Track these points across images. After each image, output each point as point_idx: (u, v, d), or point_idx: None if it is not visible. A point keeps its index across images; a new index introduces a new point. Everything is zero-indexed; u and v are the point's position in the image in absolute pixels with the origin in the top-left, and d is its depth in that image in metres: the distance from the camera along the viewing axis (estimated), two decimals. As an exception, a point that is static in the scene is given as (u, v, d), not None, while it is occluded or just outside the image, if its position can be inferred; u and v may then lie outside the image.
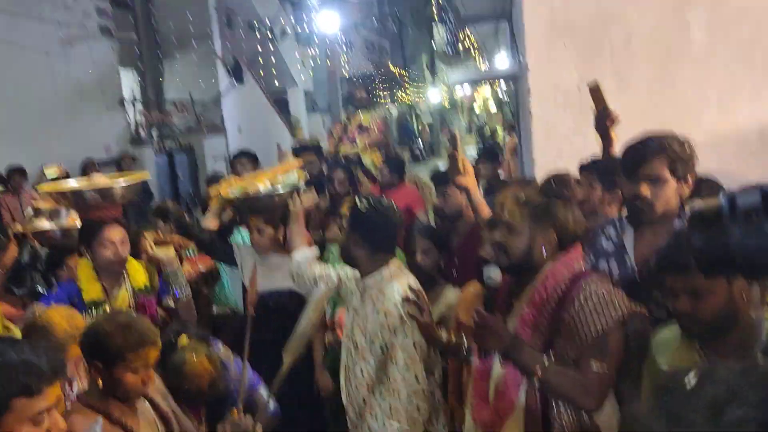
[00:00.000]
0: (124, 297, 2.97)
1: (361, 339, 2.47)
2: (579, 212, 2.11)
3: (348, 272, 2.70)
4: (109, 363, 1.83)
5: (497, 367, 2.07)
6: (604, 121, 2.65)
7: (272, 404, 2.62)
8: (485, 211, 2.82)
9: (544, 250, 2.02)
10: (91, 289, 2.91)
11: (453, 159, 2.75)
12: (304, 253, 2.85)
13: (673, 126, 2.34)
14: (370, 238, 2.48)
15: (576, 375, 1.91)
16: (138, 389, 1.89)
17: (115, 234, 2.91)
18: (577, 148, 3.28)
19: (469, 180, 2.76)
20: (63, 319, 2.19)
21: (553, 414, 1.95)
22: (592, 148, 2.95)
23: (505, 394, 2.01)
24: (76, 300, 2.86)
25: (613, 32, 3.46)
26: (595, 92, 2.65)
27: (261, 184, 3.29)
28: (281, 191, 3.19)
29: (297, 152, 5.55)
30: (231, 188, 3.37)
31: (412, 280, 2.51)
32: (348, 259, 2.59)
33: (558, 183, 2.16)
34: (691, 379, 0.76)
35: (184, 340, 2.39)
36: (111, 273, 2.95)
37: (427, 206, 5.89)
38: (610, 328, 1.88)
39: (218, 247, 3.58)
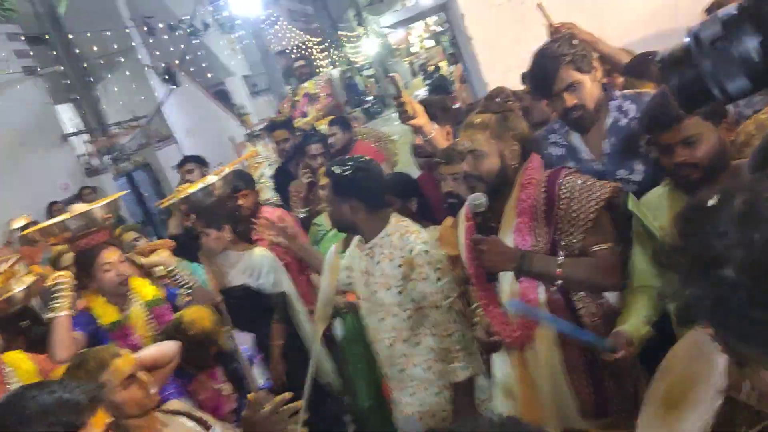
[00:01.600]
0: (138, 313, 3.02)
1: (386, 296, 2.49)
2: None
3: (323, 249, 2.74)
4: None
5: (506, 287, 2.13)
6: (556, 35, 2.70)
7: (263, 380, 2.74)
8: (442, 144, 2.87)
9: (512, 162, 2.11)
10: (106, 313, 2.96)
11: (400, 103, 2.76)
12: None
13: (604, 8, 2.40)
14: (365, 197, 2.48)
15: (591, 261, 2.00)
16: (139, 400, 1.95)
17: (111, 255, 2.94)
18: (522, 58, 3.31)
19: (420, 119, 2.79)
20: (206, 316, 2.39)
21: (577, 306, 2.05)
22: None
23: (523, 298, 2.08)
24: (93, 329, 2.90)
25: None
26: (543, 11, 2.71)
27: (193, 187, 3.41)
28: (215, 187, 3.27)
29: (271, 130, 5.46)
30: (172, 197, 3.48)
31: (420, 229, 2.55)
32: (346, 227, 2.58)
33: (499, 96, 2.20)
34: (713, 199, 0.81)
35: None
36: (117, 295, 2.98)
37: (389, 157, 5.90)
38: (601, 209, 2.00)
39: (187, 247, 3.67)
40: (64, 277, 2.70)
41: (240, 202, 4.03)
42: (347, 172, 2.48)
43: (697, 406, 1.46)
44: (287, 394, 1.87)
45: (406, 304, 2.46)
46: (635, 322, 2.01)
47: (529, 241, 2.06)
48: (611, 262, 2.01)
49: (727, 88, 0.91)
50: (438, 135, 2.99)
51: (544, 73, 2.29)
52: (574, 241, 2.02)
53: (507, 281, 2.14)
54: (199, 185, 3.62)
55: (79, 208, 3.17)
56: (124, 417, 1.94)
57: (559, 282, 2.00)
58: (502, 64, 3.52)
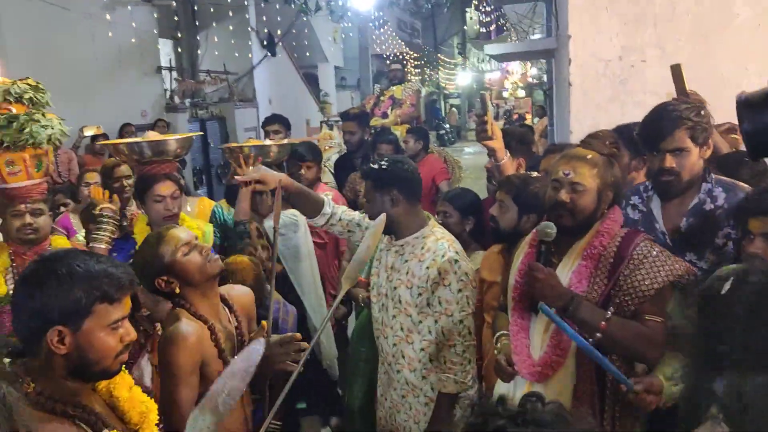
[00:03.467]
0: None
1: (406, 294, 2.53)
2: None
3: (356, 217, 2.80)
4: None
5: (542, 321, 2.11)
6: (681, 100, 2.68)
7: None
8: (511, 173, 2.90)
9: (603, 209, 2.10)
10: None
11: (482, 121, 2.80)
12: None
13: (712, 99, 2.39)
14: (404, 188, 2.53)
15: (638, 326, 1.96)
16: (200, 266, 2.04)
17: (166, 189, 2.99)
18: (613, 117, 3.32)
19: (496, 143, 2.82)
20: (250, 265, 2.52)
21: (607, 377, 1.97)
22: (630, 117, 2.99)
23: (557, 347, 2.05)
24: (132, 254, 2.98)
25: (657, 2, 3.48)
26: (677, 73, 2.68)
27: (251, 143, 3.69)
28: (271, 151, 3.52)
29: (343, 119, 5.56)
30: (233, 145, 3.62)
31: (455, 240, 2.59)
32: (386, 224, 2.59)
33: (608, 139, 2.16)
34: (726, 285, 0.81)
35: None
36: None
37: (453, 180, 5.93)
38: (666, 285, 1.97)
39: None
40: (109, 209, 2.78)
41: (302, 171, 4.13)
42: (385, 165, 2.55)
43: None
44: (297, 335, 1.92)
45: (422, 307, 2.51)
46: (668, 375, 2.00)
47: (585, 286, 2.04)
48: (658, 336, 1.96)
49: None
50: (509, 163, 3.02)
51: (660, 125, 2.28)
52: (629, 303, 1.98)
53: (545, 319, 2.09)
54: (258, 144, 3.73)
55: (155, 135, 3.29)
56: (190, 283, 2.02)
57: (598, 335, 1.95)
58: (592, 120, 3.52)
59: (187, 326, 1.95)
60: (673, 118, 2.25)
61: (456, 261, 2.45)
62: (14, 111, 2.56)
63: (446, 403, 2.47)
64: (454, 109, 23.17)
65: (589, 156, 2.07)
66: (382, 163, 2.58)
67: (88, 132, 7.39)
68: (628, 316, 1.98)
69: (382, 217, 2.00)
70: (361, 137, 5.20)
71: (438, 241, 2.52)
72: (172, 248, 2.02)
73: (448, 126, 21.23)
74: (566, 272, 2.07)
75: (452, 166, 6.83)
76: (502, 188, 2.68)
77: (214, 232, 3.94)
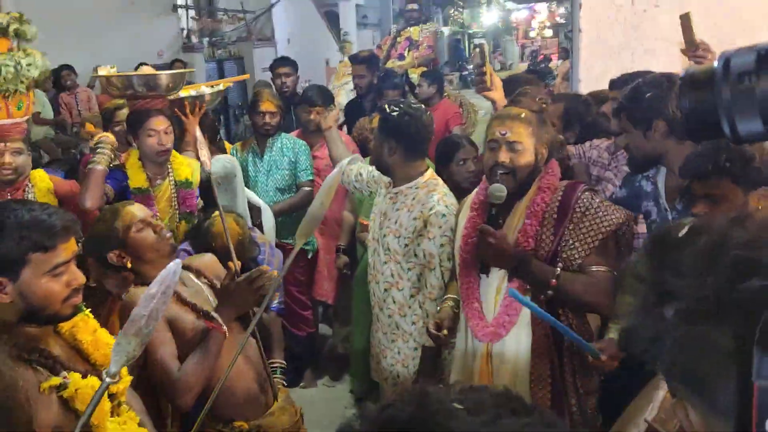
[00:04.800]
0: (166, 187, 3.12)
1: (393, 243, 2.56)
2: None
3: (375, 173, 2.77)
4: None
5: (493, 282, 2.14)
6: (690, 52, 2.58)
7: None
8: None
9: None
10: (136, 177, 3.07)
11: (480, 72, 2.73)
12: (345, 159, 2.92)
13: (731, 45, 2.27)
14: (403, 142, 2.51)
15: (587, 278, 1.99)
16: (153, 243, 2.10)
17: (159, 124, 3.02)
18: (623, 65, 3.21)
19: (495, 94, 2.75)
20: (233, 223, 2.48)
21: (560, 320, 2.00)
22: (640, 64, 2.89)
23: (509, 306, 2.09)
24: (122, 186, 3.03)
25: (673, -56, 3.31)
26: (685, 23, 2.57)
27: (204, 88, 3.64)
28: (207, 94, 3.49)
29: (352, 62, 5.47)
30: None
31: (449, 194, 2.56)
32: (381, 167, 2.64)
33: (537, 96, 2.16)
34: (683, 231, 0.78)
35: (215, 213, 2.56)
36: (155, 163, 3.08)
37: (468, 126, 5.83)
38: (611, 232, 2.00)
39: None
40: (107, 138, 2.88)
41: (312, 116, 4.09)
42: (394, 113, 2.52)
43: None
44: (265, 267, 1.96)
45: (410, 257, 2.53)
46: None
47: (532, 244, 2.06)
48: (606, 285, 1.98)
49: (738, 127, 0.83)
50: None
51: (644, 104, 2.21)
52: (576, 256, 2.01)
53: (496, 279, 2.14)
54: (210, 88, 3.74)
55: (148, 70, 3.27)
56: (143, 261, 2.06)
57: (550, 292, 1.99)
58: (602, 66, 3.40)
59: (136, 295, 1.95)
60: (656, 98, 2.18)
61: (443, 215, 2.43)
62: None
63: (429, 357, 2.49)
64: (477, 49, 22.62)
65: (523, 114, 2.06)
66: (393, 109, 2.55)
67: (103, 72, 7.36)
68: (575, 269, 2.00)
69: (336, 171, 2.01)
70: (370, 81, 5.11)
71: (429, 193, 2.50)
72: (126, 224, 2.07)
73: (471, 67, 20.79)
74: (512, 232, 2.09)
75: (468, 111, 6.71)
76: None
77: None
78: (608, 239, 2.01)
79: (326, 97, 4.23)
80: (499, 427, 0.64)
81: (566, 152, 2.75)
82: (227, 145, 4.21)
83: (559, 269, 1.99)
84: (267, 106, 3.91)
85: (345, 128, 5.29)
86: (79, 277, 1.50)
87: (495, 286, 2.14)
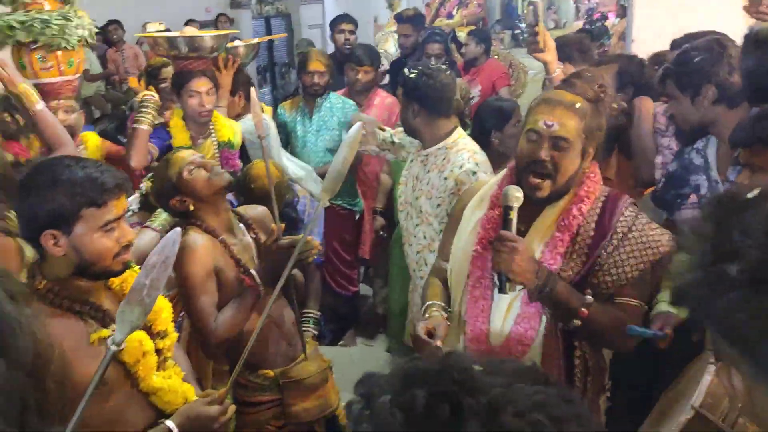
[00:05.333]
0: (208, 148, 3.17)
1: (426, 204, 2.58)
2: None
3: (406, 139, 2.76)
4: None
5: (505, 298, 1.78)
6: (753, 10, 2.46)
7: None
8: None
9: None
10: (179, 136, 3.14)
11: (533, 32, 2.66)
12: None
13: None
14: (426, 104, 2.53)
15: (617, 314, 1.70)
16: (206, 180, 2.13)
17: (201, 85, 3.05)
18: (681, 25, 3.06)
19: (547, 55, 2.67)
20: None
21: (576, 353, 1.77)
22: (700, 25, 2.76)
23: (518, 333, 1.77)
24: (166, 145, 3.09)
25: None
26: None
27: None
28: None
29: (398, 22, 5.40)
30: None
31: (479, 152, 2.54)
32: (409, 130, 2.67)
33: (596, 82, 1.79)
34: (752, 193, 0.76)
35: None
36: (197, 123, 3.13)
37: (516, 87, 5.70)
38: (652, 264, 1.70)
39: None
40: (150, 97, 2.95)
41: (359, 76, 4.07)
42: (413, 75, 2.53)
43: (672, 418, 1.47)
44: (309, 237, 1.98)
45: (442, 218, 2.53)
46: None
47: (559, 263, 1.71)
48: (634, 321, 1.71)
49: None
50: (561, 77, 2.88)
51: (692, 69, 2.12)
52: (609, 285, 1.70)
53: (508, 297, 1.76)
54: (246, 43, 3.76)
55: (192, 31, 3.30)
56: (200, 199, 2.11)
57: (577, 323, 1.67)
58: (659, 25, 3.26)
59: (194, 238, 2.04)
60: (700, 66, 2.10)
61: (474, 173, 2.43)
62: (47, 6, 2.60)
63: None
64: (531, 7, 21.96)
65: (578, 104, 1.69)
66: (412, 71, 2.56)
67: (151, 28, 7.43)
68: (604, 298, 1.70)
69: (357, 127, 1.96)
70: (415, 40, 5.03)
71: (459, 152, 2.51)
72: (178, 169, 2.10)
73: (523, 25, 20.23)
74: (538, 244, 1.74)
75: (517, 71, 6.56)
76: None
77: (280, 132, 4.00)
78: (649, 270, 1.70)
79: (374, 57, 4.19)
80: (511, 391, 0.65)
81: (621, 109, 2.61)
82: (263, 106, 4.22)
83: (590, 298, 1.67)
84: (315, 65, 3.89)
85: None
86: (129, 234, 1.55)
87: (507, 302, 1.79)
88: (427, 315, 1.82)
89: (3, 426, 0.65)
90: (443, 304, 1.85)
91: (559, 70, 2.85)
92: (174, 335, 1.68)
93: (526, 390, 0.65)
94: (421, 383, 0.65)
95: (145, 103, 2.90)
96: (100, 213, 1.47)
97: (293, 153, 3.95)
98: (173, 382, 1.59)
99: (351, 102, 4.03)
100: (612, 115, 1.97)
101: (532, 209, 1.73)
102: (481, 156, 2.52)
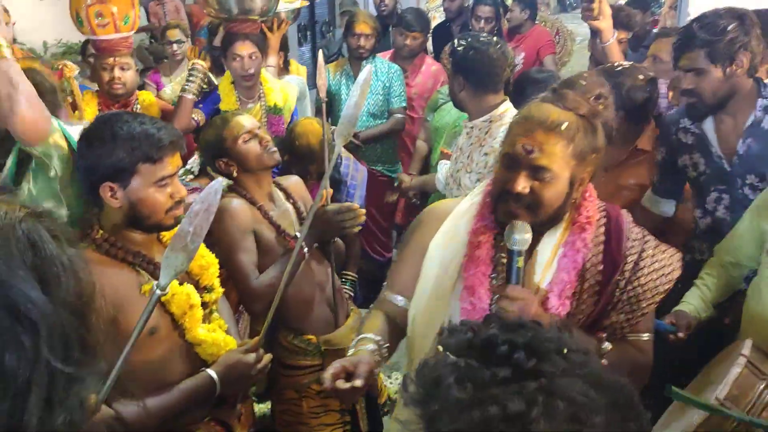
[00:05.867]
0: (257, 111, 3.17)
1: (465, 178, 2.55)
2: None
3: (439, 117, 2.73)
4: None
5: None
6: None
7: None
8: (617, 58, 2.71)
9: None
10: (227, 99, 3.16)
11: None
12: None
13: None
14: (470, 77, 2.49)
15: (634, 355, 1.55)
16: (258, 155, 2.18)
17: (243, 49, 3.03)
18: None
19: (603, 23, 2.62)
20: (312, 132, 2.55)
21: None
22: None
23: None
24: (214, 110, 3.12)
25: None
26: None
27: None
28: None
29: None
30: None
31: None
32: (455, 102, 2.65)
33: (596, 90, 1.66)
34: None
35: None
36: (243, 87, 3.14)
37: (562, 55, 5.57)
38: (667, 292, 1.54)
39: None
40: (199, 65, 2.98)
41: (407, 41, 4.04)
42: (460, 48, 2.50)
43: (695, 410, 1.48)
44: (355, 205, 2.02)
45: None
46: (699, 305, 2.01)
47: (568, 307, 1.48)
48: (648, 359, 1.56)
49: None
50: (615, 46, 2.82)
51: (677, 43, 2.13)
52: (625, 324, 1.51)
53: None
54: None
55: None
56: (247, 169, 2.15)
57: None
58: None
59: (233, 202, 2.09)
60: (689, 36, 2.07)
61: None
62: None
63: None
64: (580, -29, 21.29)
65: (564, 125, 1.40)
66: (460, 44, 2.54)
67: (199, -16, 7.44)
68: (618, 337, 1.53)
69: (368, 68, 1.92)
70: (461, 4, 4.95)
71: (501, 127, 2.45)
72: (235, 134, 2.14)
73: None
74: (534, 282, 1.50)
75: (564, 39, 6.41)
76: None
77: (319, 96, 4.00)
78: (658, 304, 1.53)
79: (424, 23, 4.15)
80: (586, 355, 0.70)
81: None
82: (294, 64, 4.20)
83: (607, 343, 1.46)
84: (362, 28, 3.86)
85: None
86: (182, 191, 1.60)
87: None
88: (351, 351, 1.48)
89: (53, 360, 0.69)
90: (379, 338, 1.49)
91: (613, 39, 2.80)
92: (219, 290, 1.75)
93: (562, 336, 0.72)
94: (498, 330, 0.71)
95: (193, 71, 2.92)
96: (156, 168, 1.53)
97: (336, 116, 3.96)
98: (217, 336, 1.66)
99: (396, 66, 4.00)
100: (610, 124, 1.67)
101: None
102: None
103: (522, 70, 4.43)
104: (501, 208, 1.46)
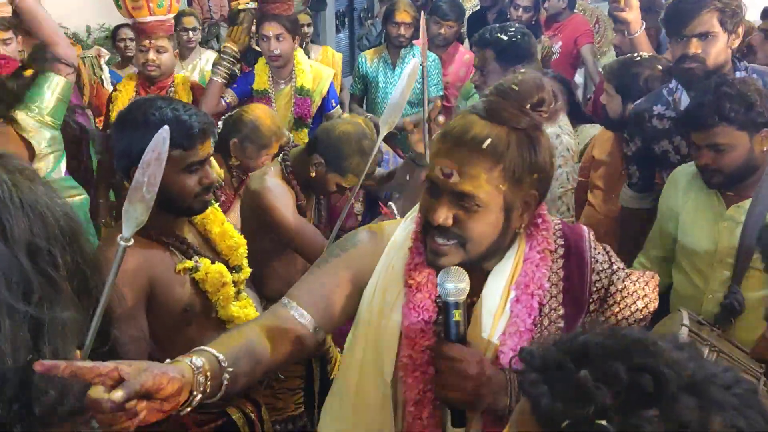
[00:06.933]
0: (287, 93, 3.24)
1: None
2: None
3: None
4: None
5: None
6: None
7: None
8: (645, 49, 2.69)
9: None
10: (259, 79, 3.23)
11: None
12: None
13: None
14: (524, 64, 2.47)
15: None
16: None
17: (270, 29, 3.09)
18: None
19: (630, 14, 2.59)
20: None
21: None
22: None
23: None
24: (246, 91, 3.19)
25: None
26: None
27: None
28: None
29: None
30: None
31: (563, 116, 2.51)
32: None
33: (538, 94, 1.23)
34: None
35: None
36: (276, 66, 3.19)
37: (600, 44, 5.49)
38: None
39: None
40: (231, 48, 3.01)
41: (442, 30, 4.05)
42: (516, 37, 2.47)
43: None
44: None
45: None
46: None
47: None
48: None
49: None
50: (643, 38, 2.80)
51: (685, 7, 2.13)
52: None
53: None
54: None
55: None
56: (246, 170, 2.29)
57: None
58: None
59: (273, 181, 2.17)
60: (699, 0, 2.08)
61: (557, 135, 2.39)
62: None
63: None
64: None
65: (487, 142, 1.15)
66: (511, 32, 2.49)
67: (237, -31, 7.52)
68: None
69: (415, 61, 1.88)
70: (499, -10, 4.91)
71: None
72: (263, 139, 2.35)
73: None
74: (481, 333, 1.26)
75: (604, 28, 6.30)
76: (604, 75, 2.53)
77: (356, 83, 4.04)
78: None
79: (459, 12, 4.14)
80: (707, 365, 0.64)
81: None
82: (328, 50, 4.26)
83: None
84: (403, 16, 3.87)
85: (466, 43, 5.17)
86: (211, 176, 1.65)
87: None
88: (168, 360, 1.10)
89: (12, 301, 0.65)
90: (221, 357, 1.14)
91: (641, 30, 2.78)
92: (247, 270, 1.81)
93: (717, 367, 0.65)
94: (617, 356, 0.62)
95: (224, 56, 2.97)
96: (186, 155, 1.57)
97: (373, 103, 3.98)
98: (249, 312, 1.72)
99: (434, 56, 4.00)
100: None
101: (469, 272, 1.22)
102: (564, 120, 2.49)
103: (559, 59, 4.40)
104: (428, 244, 1.23)
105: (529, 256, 1.26)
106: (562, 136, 2.42)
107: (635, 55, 2.54)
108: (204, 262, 1.64)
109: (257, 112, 2.43)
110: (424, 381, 1.23)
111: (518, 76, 1.24)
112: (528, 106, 1.18)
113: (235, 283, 1.72)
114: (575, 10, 5.03)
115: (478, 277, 1.25)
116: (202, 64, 4.11)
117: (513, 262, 1.27)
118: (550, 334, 1.24)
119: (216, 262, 1.68)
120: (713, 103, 1.85)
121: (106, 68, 4.52)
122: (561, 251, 1.29)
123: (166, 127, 1.22)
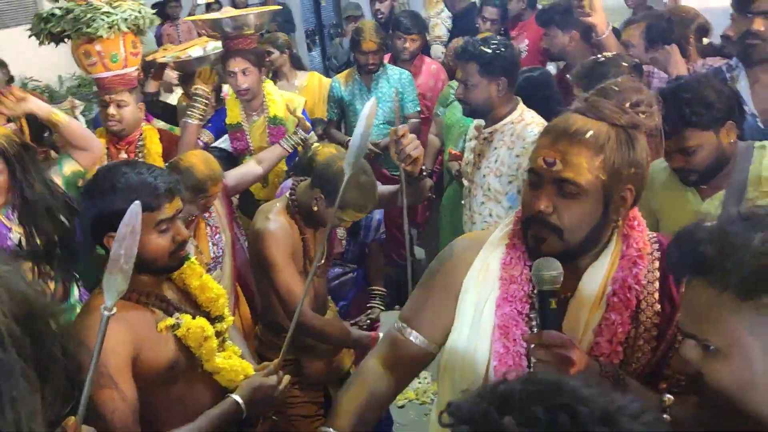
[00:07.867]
0: (260, 124, 3.27)
1: (495, 182, 2.55)
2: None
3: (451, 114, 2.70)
4: None
5: None
6: None
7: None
8: (613, 50, 2.72)
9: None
10: (232, 114, 3.27)
11: None
12: None
13: None
14: (511, 75, 2.48)
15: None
16: None
17: (236, 65, 3.12)
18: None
19: (595, 18, 2.63)
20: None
21: None
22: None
23: None
24: (220, 126, 3.22)
25: None
26: None
27: (191, 50, 3.50)
28: (210, 55, 3.35)
29: None
30: (165, 54, 3.57)
31: (544, 123, 2.53)
32: (484, 108, 2.55)
33: (636, 95, 1.34)
34: None
35: None
36: (245, 101, 3.23)
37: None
38: None
39: None
40: (203, 89, 2.97)
41: (407, 45, 4.08)
42: (500, 50, 2.46)
43: None
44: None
45: (513, 193, 2.51)
46: None
47: (620, 356, 1.29)
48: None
49: None
50: (611, 38, 2.84)
51: None
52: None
53: None
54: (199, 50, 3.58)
55: (232, 11, 3.34)
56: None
57: None
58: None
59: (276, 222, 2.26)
60: None
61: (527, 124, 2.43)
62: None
63: None
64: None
65: (590, 133, 1.24)
66: (494, 44, 2.49)
67: (201, 0, 7.56)
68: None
69: (373, 101, 1.87)
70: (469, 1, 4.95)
71: (527, 127, 2.47)
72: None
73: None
74: (583, 327, 1.32)
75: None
76: (573, 81, 2.55)
77: (331, 107, 4.07)
78: None
79: (421, 25, 4.18)
80: (615, 399, 0.68)
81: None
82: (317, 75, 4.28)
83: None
84: (369, 45, 3.90)
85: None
86: (184, 233, 1.68)
87: None
88: None
89: None
90: None
91: (608, 32, 2.82)
92: (230, 319, 1.83)
93: (625, 399, 0.69)
94: (535, 400, 0.66)
95: (197, 97, 2.95)
96: (154, 215, 1.60)
97: (351, 127, 4.00)
98: (233, 362, 1.74)
99: (407, 72, 4.05)
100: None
101: (564, 269, 1.24)
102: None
103: (528, 57, 4.43)
104: (529, 233, 1.31)
105: (627, 253, 1.32)
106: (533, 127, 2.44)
107: (599, 56, 2.56)
108: (185, 318, 1.65)
109: (192, 159, 2.43)
110: (517, 372, 1.22)
111: (618, 79, 1.38)
112: (627, 105, 1.27)
113: (218, 334, 1.75)
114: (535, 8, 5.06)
115: (573, 273, 1.30)
116: None
117: (609, 260, 1.32)
118: (645, 330, 1.29)
119: (197, 316, 1.70)
120: (674, 111, 1.84)
121: (82, 118, 4.55)
122: (657, 254, 1.33)
123: (137, 201, 1.26)
